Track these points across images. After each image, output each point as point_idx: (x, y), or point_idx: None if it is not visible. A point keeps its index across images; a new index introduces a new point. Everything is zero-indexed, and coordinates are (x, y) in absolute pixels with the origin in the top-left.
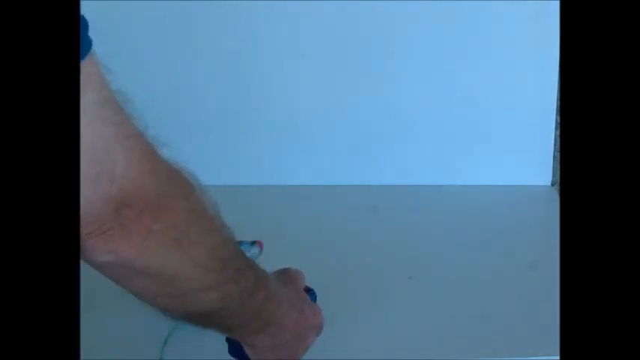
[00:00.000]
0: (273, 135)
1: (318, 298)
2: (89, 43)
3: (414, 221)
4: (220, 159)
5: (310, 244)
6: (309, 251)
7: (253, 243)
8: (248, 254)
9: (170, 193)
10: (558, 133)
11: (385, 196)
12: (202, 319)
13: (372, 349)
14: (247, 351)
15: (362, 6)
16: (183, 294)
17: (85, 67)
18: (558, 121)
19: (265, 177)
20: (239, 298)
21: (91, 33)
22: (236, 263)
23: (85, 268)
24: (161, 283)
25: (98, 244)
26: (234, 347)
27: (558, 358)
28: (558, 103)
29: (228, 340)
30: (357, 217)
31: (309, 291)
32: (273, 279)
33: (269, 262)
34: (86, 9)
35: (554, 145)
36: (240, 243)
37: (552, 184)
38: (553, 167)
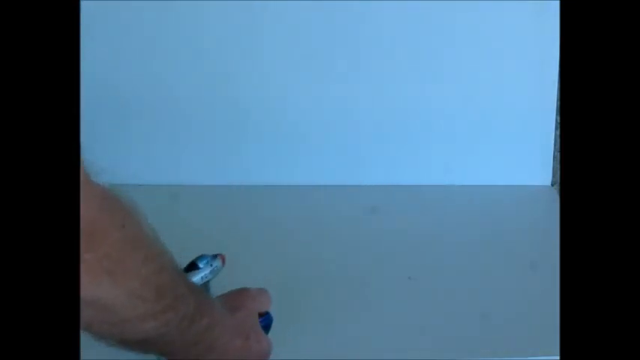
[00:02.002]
0: (272, 135)
1: (318, 299)
2: None
3: (414, 221)
4: (220, 159)
5: (310, 244)
6: (309, 251)
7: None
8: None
9: (103, 221)
10: (558, 133)
11: (385, 196)
12: (139, 346)
13: (371, 349)
14: None
15: (362, 6)
16: (117, 323)
17: None
18: (558, 121)
19: (265, 177)
20: (178, 325)
21: (91, 32)
22: (175, 290)
23: None
24: (94, 312)
25: None
26: None
27: (558, 358)
28: (558, 103)
29: None
30: (357, 217)
31: (265, 315)
32: (220, 303)
33: (269, 262)
34: (86, 9)
35: (554, 145)
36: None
37: (552, 184)
38: (553, 167)
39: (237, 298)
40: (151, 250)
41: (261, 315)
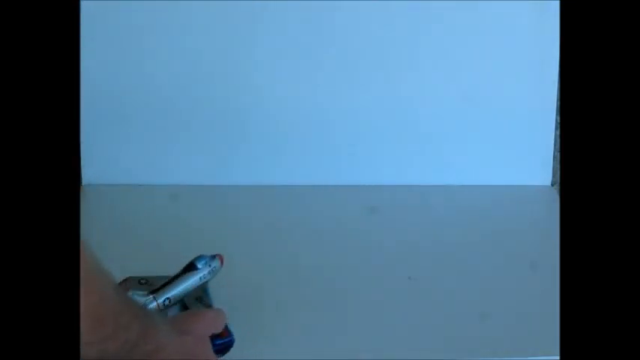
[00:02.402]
0: (272, 135)
1: (318, 299)
2: None
3: (414, 221)
4: (221, 159)
5: (310, 244)
6: (309, 251)
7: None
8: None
9: None
10: (558, 133)
11: (385, 196)
12: None
13: (371, 349)
14: None
15: (361, 5)
16: None
17: None
18: (558, 121)
19: (264, 177)
20: (118, 352)
21: (91, 32)
22: (116, 320)
23: None
24: None
25: None
26: None
27: (558, 358)
28: (558, 103)
29: None
30: (357, 217)
31: (226, 337)
32: (169, 327)
33: (268, 262)
34: (87, 9)
35: (554, 145)
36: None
37: (552, 184)
38: (553, 167)
39: (187, 321)
40: (92, 282)
41: (221, 337)
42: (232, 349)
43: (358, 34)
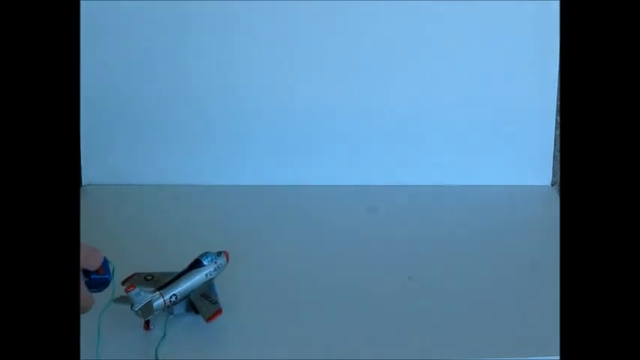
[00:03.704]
0: (273, 135)
1: (318, 299)
2: None
3: (414, 221)
4: (221, 159)
5: (310, 243)
6: (310, 251)
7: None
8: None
9: None
10: (558, 133)
11: (385, 196)
12: None
13: (371, 349)
14: None
15: (362, 6)
16: None
17: None
18: (558, 121)
19: (265, 177)
20: None
21: (93, 33)
22: None
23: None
24: None
25: None
26: None
27: (558, 358)
28: (558, 103)
29: None
30: (357, 217)
31: (103, 272)
32: None
33: (270, 261)
34: (87, 9)
35: (554, 145)
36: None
37: (552, 184)
38: (553, 167)
39: None
40: None
41: (97, 273)
42: (235, 348)
43: (358, 36)
